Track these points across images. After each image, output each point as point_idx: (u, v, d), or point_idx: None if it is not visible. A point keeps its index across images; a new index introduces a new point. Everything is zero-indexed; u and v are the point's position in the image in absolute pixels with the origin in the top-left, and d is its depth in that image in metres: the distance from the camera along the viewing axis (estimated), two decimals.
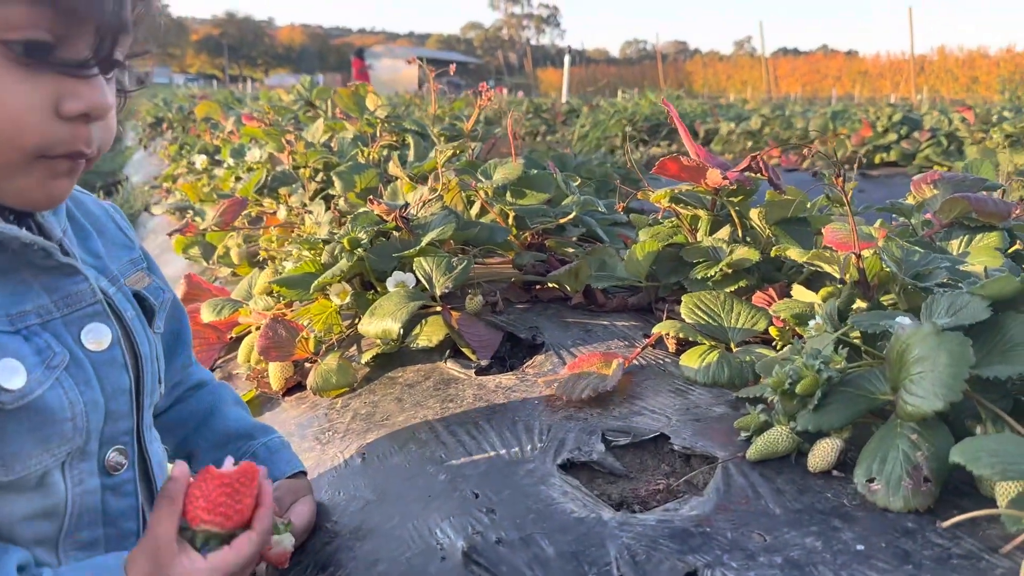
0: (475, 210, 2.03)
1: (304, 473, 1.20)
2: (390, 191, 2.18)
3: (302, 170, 2.47)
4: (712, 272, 1.53)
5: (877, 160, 5.19)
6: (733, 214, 1.61)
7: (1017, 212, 1.61)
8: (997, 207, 1.52)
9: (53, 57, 0.75)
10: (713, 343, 1.38)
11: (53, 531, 0.84)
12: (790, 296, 1.43)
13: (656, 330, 1.41)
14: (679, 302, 1.49)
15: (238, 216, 2.23)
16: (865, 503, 0.94)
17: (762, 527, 0.92)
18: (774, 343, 1.41)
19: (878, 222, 1.34)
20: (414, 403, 1.39)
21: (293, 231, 2.11)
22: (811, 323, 1.15)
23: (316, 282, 1.54)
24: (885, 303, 1.27)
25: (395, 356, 1.58)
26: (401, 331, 1.51)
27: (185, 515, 0.83)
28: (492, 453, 1.19)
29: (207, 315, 1.82)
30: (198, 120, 4.47)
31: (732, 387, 1.28)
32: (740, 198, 1.62)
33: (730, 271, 1.57)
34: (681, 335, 1.40)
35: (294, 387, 1.60)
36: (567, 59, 12.98)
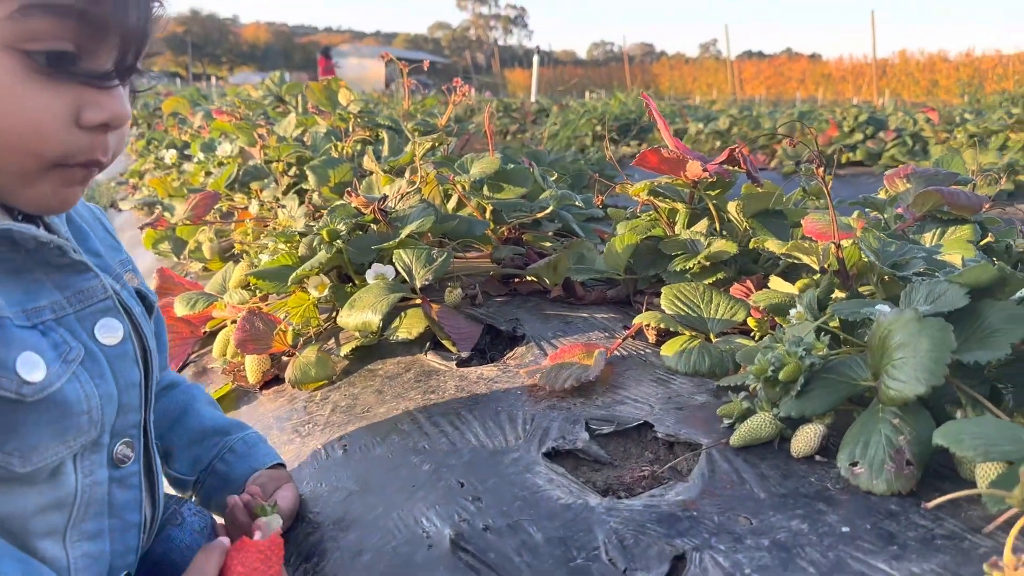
0: (452, 204, 2.02)
1: (283, 465, 1.19)
2: (365, 185, 2.16)
3: (275, 164, 2.44)
4: (690, 264, 1.54)
5: (844, 160, 5.27)
6: (711, 207, 1.63)
7: (987, 206, 1.65)
8: (969, 200, 1.55)
9: (76, 68, 0.75)
10: (693, 333, 1.39)
11: (62, 522, 0.84)
12: (767, 288, 1.45)
13: (637, 321, 1.41)
14: (658, 294, 1.50)
15: (210, 210, 2.20)
16: (848, 487, 0.95)
17: (748, 511, 0.93)
18: (752, 334, 1.42)
19: (855, 213, 1.36)
20: (395, 395, 1.38)
21: (267, 226, 2.09)
22: (792, 311, 1.17)
23: (294, 274, 1.52)
24: (864, 293, 1.29)
25: (374, 349, 1.56)
26: (381, 323, 1.50)
27: None
28: (476, 443, 1.18)
29: (181, 309, 1.79)
30: (165, 116, 4.41)
31: (713, 376, 1.29)
32: (718, 191, 1.63)
33: (708, 263, 1.58)
34: (661, 326, 1.40)
35: (271, 380, 1.58)
36: (536, 59, 13.01)
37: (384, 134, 2.55)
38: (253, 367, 1.55)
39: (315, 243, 1.55)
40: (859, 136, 5.42)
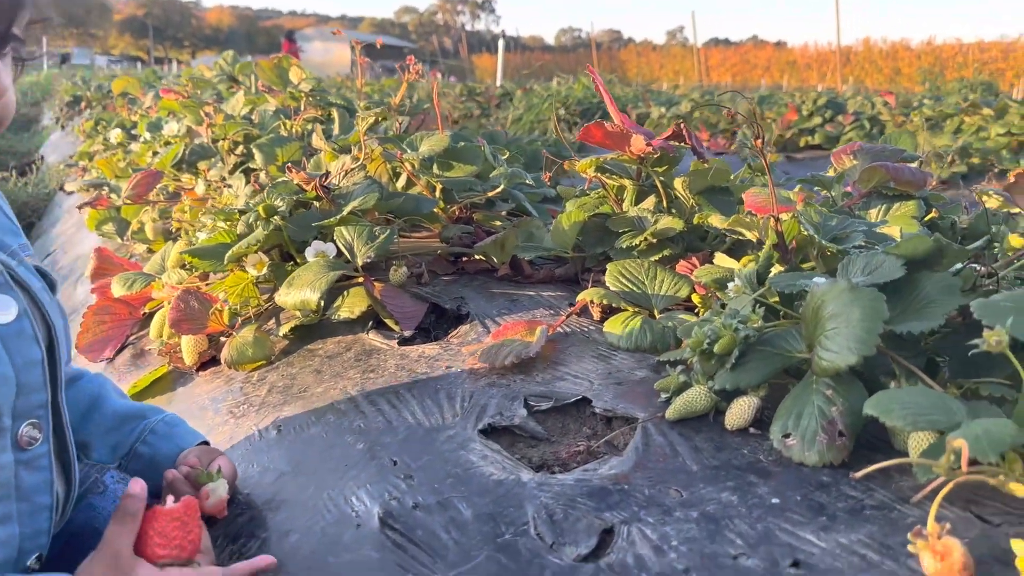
0: (401, 182, 1.99)
1: (207, 443, 1.16)
2: (313, 163, 2.12)
3: (221, 143, 2.38)
4: (636, 241, 1.52)
5: (802, 143, 5.30)
6: (658, 184, 1.61)
7: (934, 183, 1.65)
8: (914, 176, 1.55)
9: None
10: (636, 310, 1.38)
11: None
12: (713, 264, 1.44)
13: (580, 297, 1.39)
14: (605, 272, 1.49)
15: (152, 189, 2.14)
16: (781, 459, 0.95)
17: (679, 483, 0.92)
18: (697, 310, 1.41)
19: (797, 187, 1.36)
20: (333, 374, 1.35)
21: (207, 203, 2.04)
22: (730, 285, 1.15)
23: (230, 252, 1.48)
24: (804, 268, 1.28)
25: (315, 328, 1.53)
26: (321, 302, 1.46)
27: (142, 554, 0.86)
28: (412, 421, 1.16)
29: (118, 289, 1.74)
30: (115, 96, 4.29)
31: (654, 352, 1.28)
32: (664, 168, 1.62)
33: (655, 240, 1.57)
34: (605, 302, 1.39)
35: (208, 362, 1.54)
36: (501, 43, 12.93)
37: (335, 112, 2.50)
38: (189, 348, 1.51)
39: (252, 220, 1.50)
40: (818, 120, 5.46)
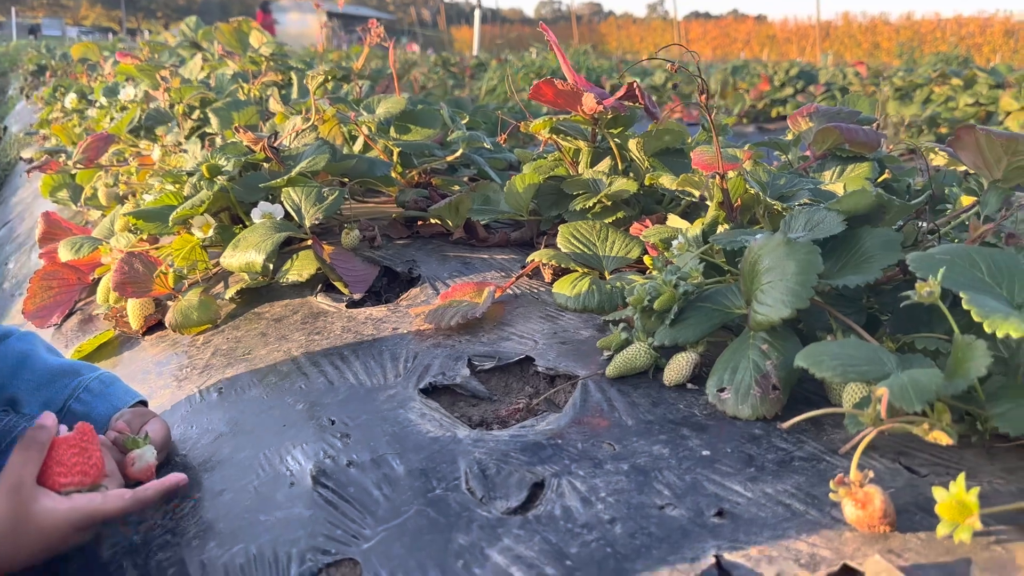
0: (358, 146, 1.96)
1: (144, 403, 1.14)
2: (269, 127, 2.08)
3: (177, 107, 2.33)
4: (590, 203, 1.51)
5: (774, 114, 5.29)
6: (613, 146, 1.59)
7: (891, 147, 1.64)
8: (867, 137, 1.54)
9: None
10: (587, 271, 1.37)
11: None
12: (665, 226, 1.43)
13: (531, 259, 1.38)
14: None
15: (103, 153, 2.10)
16: (716, 413, 0.94)
17: (613, 438, 0.91)
18: (648, 271, 1.40)
19: (746, 146, 1.35)
20: (279, 337, 1.33)
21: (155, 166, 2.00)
22: (674, 243, 1.14)
23: (175, 214, 1.45)
24: (752, 226, 1.28)
25: (264, 292, 1.51)
26: (269, 264, 1.44)
27: (45, 485, 0.86)
28: (354, 382, 1.14)
29: (65, 254, 1.71)
30: (75, 62, 4.19)
31: (602, 312, 1.27)
32: (620, 129, 1.60)
33: (609, 203, 1.55)
34: (556, 264, 1.37)
35: (155, 326, 1.52)
36: (478, 14, 12.80)
37: (294, 76, 2.46)
38: (135, 312, 1.48)
39: (196, 181, 1.47)
40: (790, 90, 5.45)
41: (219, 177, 1.45)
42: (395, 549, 0.80)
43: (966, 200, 1.45)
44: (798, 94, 5.41)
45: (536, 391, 1.10)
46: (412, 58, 9.66)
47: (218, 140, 2.11)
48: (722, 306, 1.04)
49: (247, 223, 1.57)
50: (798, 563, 0.68)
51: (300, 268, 1.47)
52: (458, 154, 1.95)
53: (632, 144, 1.56)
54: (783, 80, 5.54)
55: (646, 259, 1.41)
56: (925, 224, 1.14)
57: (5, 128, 6.20)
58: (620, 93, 1.48)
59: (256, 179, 1.55)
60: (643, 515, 0.78)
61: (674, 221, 1.42)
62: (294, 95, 2.40)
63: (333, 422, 1.04)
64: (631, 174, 1.64)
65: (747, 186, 1.21)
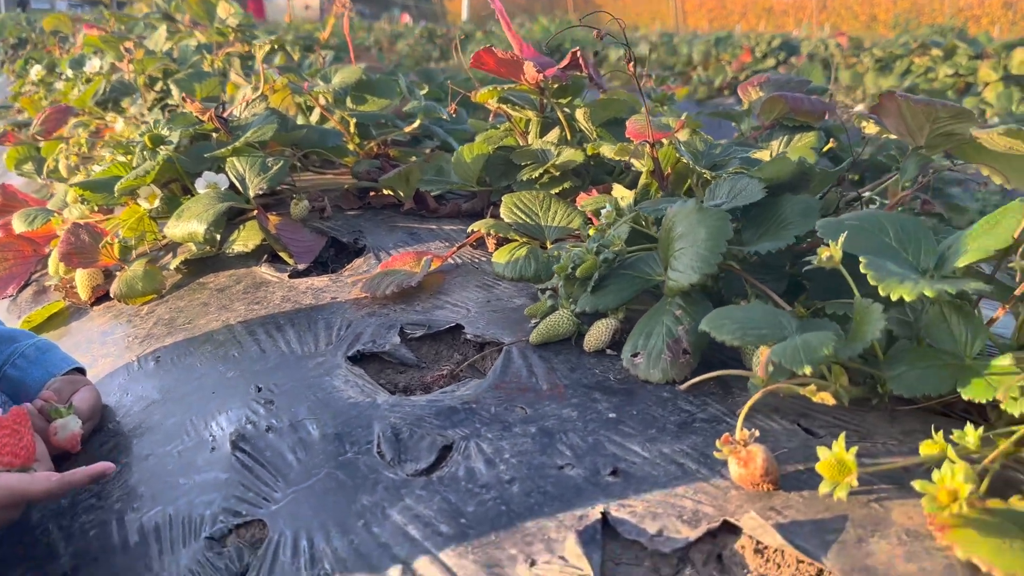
0: (315, 117, 1.95)
1: (82, 371, 1.15)
2: (231, 99, 2.07)
3: (138, 78, 2.32)
4: (536, 174, 1.51)
5: None
6: (560, 116, 1.59)
7: (845, 118, 1.65)
8: (813, 106, 1.55)
9: None
10: (526, 241, 1.37)
11: None
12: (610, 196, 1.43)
13: (472, 228, 1.39)
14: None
15: (62, 124, 2.09)
16: (629, 377, 0.96)
17: (527, 402, 0.93)
18: None
19: (683, 116, 1.35)
20: (220, 307, 1.34)
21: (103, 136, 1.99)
22: (602, 211, 1.15)
23: (120, 184, 1.45)
24: (687, 197, 1.28)
25: (211, 262, 1.51)
26: (213, 235, 1.44)
27: None
28: (286, 350, 1.16)
29: (19, 225, 1.71)
30: (46, 33, 4.16)
31: (538, 281, 1.27)
32: (568, 99, 1.60)
33: (557, 173, 1.55)
34: (496, 233, 1.38)
35: (104, 296, 1.52)
36: None
37: (258, 47, 2.44)
38: (83, 282, 1.49)
39: (140, 151, 1.47)
40: (772, 61, 5.42)
41: (162, 147, 1.45)
42: (302, 510, 0.82)
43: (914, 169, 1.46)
44: (779, 65, 5.39)
45: (464, 358, 1.12)
46: (400, 30, 9.57)
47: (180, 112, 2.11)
48: (644, 273, 1.05)
49: (194, 193, 1.57)
50: (681, 519, 0.70)
51: (246, 239, 1.47)
52: (415, 125, 1.95)
53: (580, 114, 1.56)
54: (765, 51, 5.52)
55: (591, 230, 1.42)
56: (846, 192, 1.15)
57: None
58: (564, 63, 1.48)
59: (205, 150, 1.55)
60: (542, 475, 0.79)
61: (618, 191, 1.43)
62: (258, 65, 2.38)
63: (260, 389, 1.06)
64: (585, 144, 1.64)
65: (680, 156, 1.22)
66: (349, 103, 1.92)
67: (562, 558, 0.67)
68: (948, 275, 0.84)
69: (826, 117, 1.60)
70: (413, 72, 2.84)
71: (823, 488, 0.69)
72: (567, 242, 1.40)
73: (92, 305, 1.52)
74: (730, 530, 0.69)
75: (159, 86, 2.36)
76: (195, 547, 0.82)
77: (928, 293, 0.76)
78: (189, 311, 1.36)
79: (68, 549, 0.90)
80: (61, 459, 1.01)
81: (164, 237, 1.57)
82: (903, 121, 1.07)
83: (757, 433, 0.73)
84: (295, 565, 0.75)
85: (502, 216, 1.42)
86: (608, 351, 1.03)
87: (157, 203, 1.48)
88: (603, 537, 0.70)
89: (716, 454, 0.74)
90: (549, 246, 1.39)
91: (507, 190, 1.67)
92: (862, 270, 0.80)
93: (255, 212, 1.50)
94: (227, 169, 1.48)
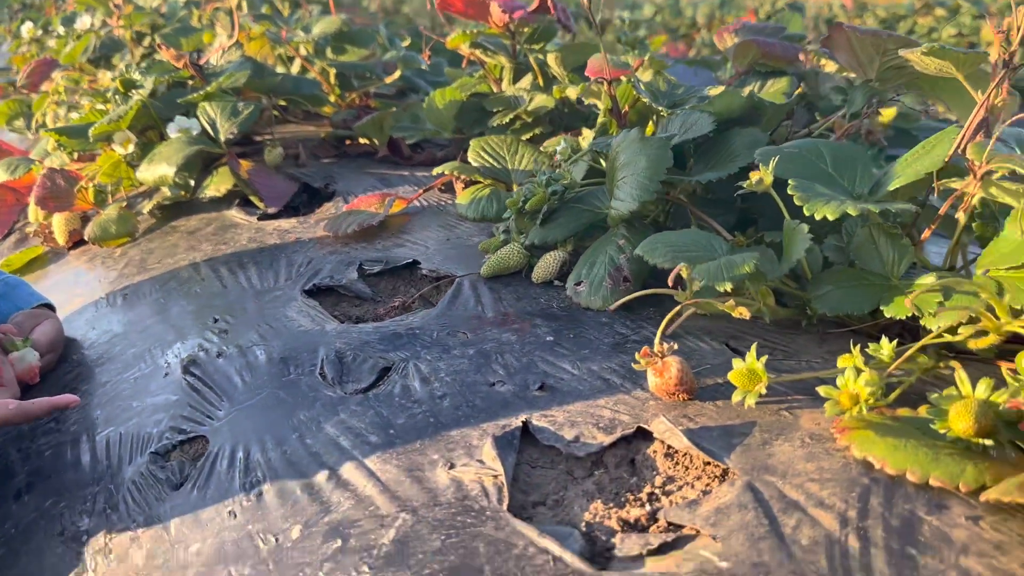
0: (295, 68, 1.96)
1: (50, 307, 1.17)
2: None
3: (126, 33, 2.33)
4: (507, 119, 1.52)
5: None
6: (532, 61, 1.59)
7: (811, 59, 1.64)
8: (784, 51, 1.54)
9: None
10: (492, 183, 1.38)
11: None
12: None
13: (436, 171, 1.40)
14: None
15: (47, 78, 2.11)
16: (572, 305, 0.97)
17: (470, 328, 0.95)
18: None
19: (647, 56, 1.35)
20: (188, 248, 1.36)
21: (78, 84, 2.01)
22: (557, 148, 1.16)
23: (94, 129, 1.47)
24: None
25: (185, 207, 1.53)
26: (187, 179, 1.47)
27: None
28: (246, 285, 1.18)
29: (1, 174, 1.73)
30: None
31: (500, 221, 1.29)
32: (540, 44, 1.60)
33: (530, 119, 1.56)
34: (461, 175, 1.39)
35: (82, 240, 1.55)
36: None
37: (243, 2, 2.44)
38: (60, 227, 1.51)
39: (112, 95, 1.49)
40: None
41: (135, 91, 1.46)
42: (242, 426, 0.84)
43: (888, 114, 1.46)
44: None
45: (419, 292, 1.13)
46: None
47: None
48: (592, 207, 1.06)
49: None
50: (598, 427, 0.72)
51: (218, 183, 1.49)
52: (395, 76, 1.95)
53: (551, 59, 1.56)
54: (769, 12, 5.45)
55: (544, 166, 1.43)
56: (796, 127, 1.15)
57: None
58: (533, 6, 1.48)
59: (175, 95, 1.56)
60: (473, 391, 0.81)
61: (587, 135, 1.43)
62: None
63: (216, 320, 1.08)
64: (565, 90, 1.65)
65: (639, 94, 1.22)
66: (329, 54, 1.92)
67: (480, 461, 0.69)
68: (881, 199, 0.85)
69: (802, 62, 1.59)
70: (403, 28, 2.82)
71: (735, 396, 0.71)
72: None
73: (69, 250, 1.55)
74: (644, 437, 0.71)
75: (147, 41, 2.37)
76: (140, 462, 0.85)
77: (851, 212, 0.77)
78: (160, 252, 1.38)
79: (24, 468, 0.93)
80: (27, 389, 1.04)
81: (141, 184, 1.59)
82: (854, 54, 1.07)
83: (676, 346, 0.75)
84: (230, 475, 0.77)
85: (469, 159, 1.43)
86: (556, 282, 1.04)
87: (132, 148, 1.49)
88: (522, 444, 0.72)
89: (635, 366, 0.75)
90: (516, 189, 1.40)
91: (480, 136, 1.68)
92: (789, 191, 0.81)
93: (228, 158, 1.52)
94: (199, 114, 1.49)
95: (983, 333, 0.72)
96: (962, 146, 0.80)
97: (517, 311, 0.97)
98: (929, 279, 0.78)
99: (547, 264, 1.03)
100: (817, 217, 0.78)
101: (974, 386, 0.62)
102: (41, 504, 0.86)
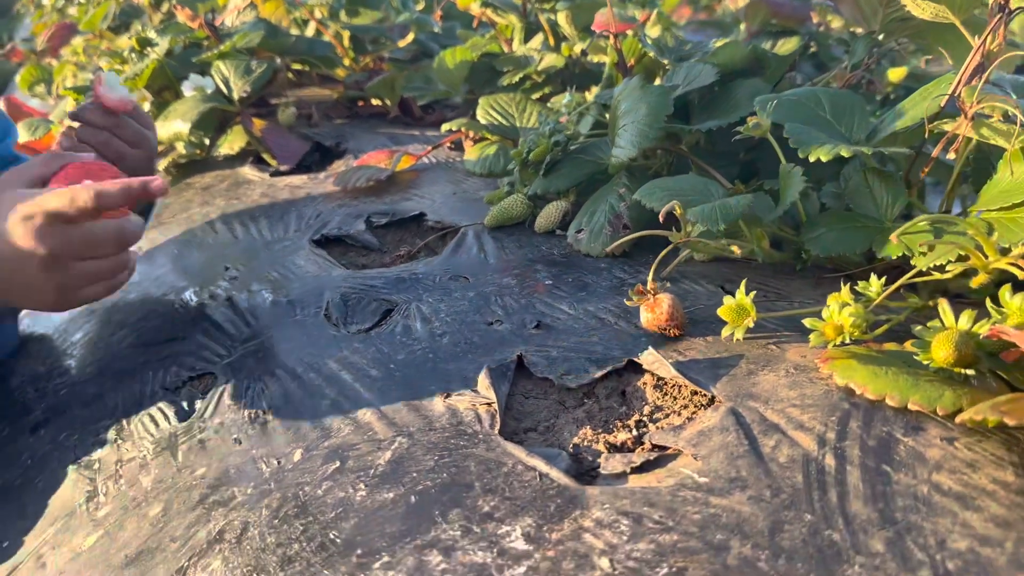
0: (310, 31, 1.98)
1: None
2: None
3: None
4: (517, 79, 1.53)
5: None
6: (543, 21, 1.60)
7: (820, 15, 1.64)
8: (794, 11, 1.54)
9: None
10: (499, 139, 1.40)
11: None
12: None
13: (445, 127, 1.41)
14: None
15: (67, 42, 2.14)
16: (572, 252, 0.99)
17: (471, 273, 0.97)
18: None
19: (655, 11, 1.35)
20: (202, 203, 1.39)
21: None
22: (564, 101, 1.17)
23: None
24: None
25: (200, 165, 1.56)
26: (201, 137, 1.49)
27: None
28: (257, 236, 1.20)
29: (23, 135, 1.76)
30: None
31: (506, 176, 1.31)
32: (551, 3, 1.61)
33: (540, 79, 1.57)
34: (470, 132, 1.41)
35: None
36: None
37: None
38: None
39: (128, 54, 1.51)
40: None
41: (150, 49, 1.49)
42: (248, 362, 0.87)
43: (895, 74, 1.46)
44: None
45: (424, 242, 1.16)
46: None
47: None
48: (595, 157, 1.07)
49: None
50: (591, 360, 0.74)
51: (232, 141, 1.52)
52: (409, 39, 1.96)
53: (561, 17, 1.57)
54: None
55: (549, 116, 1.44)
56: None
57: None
58: None
59: (190, 54, 1.59)
60: (471, 329, 0.83)
61: (595, 92, 1.44)
62: None
63: (227, 268, 1.11)
64: (576, 49, 1.65)
65: (644, 48, 1.23)
66: (343, 17, 1.94)
67: (474, 390, 0.72)
68: (877, 144, 0.86)
69: (812, 22, 1.59)
70: None
71: (724, 331, 0.72)
72: None
73: None
74: (635, 371, 0.73)
75: (165, 7, 2.39)
76: (150, 397, 0.88)
77: (844, 153, 0.78)
78: (174, 207, 1.41)
79: (40, 405, 0.96)
80: None
81: (162, 146, 1.61)
82: (858, 7, 1.07)
83: (669, 284, 0.77)
84: (236, 406, 0.80)
85: (478, 117, 1.45)
86: (558, 232, 1.06)
87: (148, 107, 1.52)
88: (516, 376, 0.74)
89: (628, 303, 0.77)
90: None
91: None
92: (785, 135, 0.82)
93: (242, 116, 1.54)
94: (212, 72, 1.51)
95: (973, 273, 0.73)
96: (958, 91, 0.80)
97: (519, 258, 0.99)
98: (922, 221, 0.78)
99: (549, 214, 1.05)
100: (811, 159, 0.79)
101: (958, 319, 0.64)
102: (56, 437, 0.89)
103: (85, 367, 1.00)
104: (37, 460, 0.87)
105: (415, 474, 0.62)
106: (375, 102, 1.78)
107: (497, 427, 0.66)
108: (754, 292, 0.71)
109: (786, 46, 1.57)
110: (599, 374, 0.72)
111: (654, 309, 0.75)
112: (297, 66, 1.94)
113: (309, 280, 1.01)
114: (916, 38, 1.08)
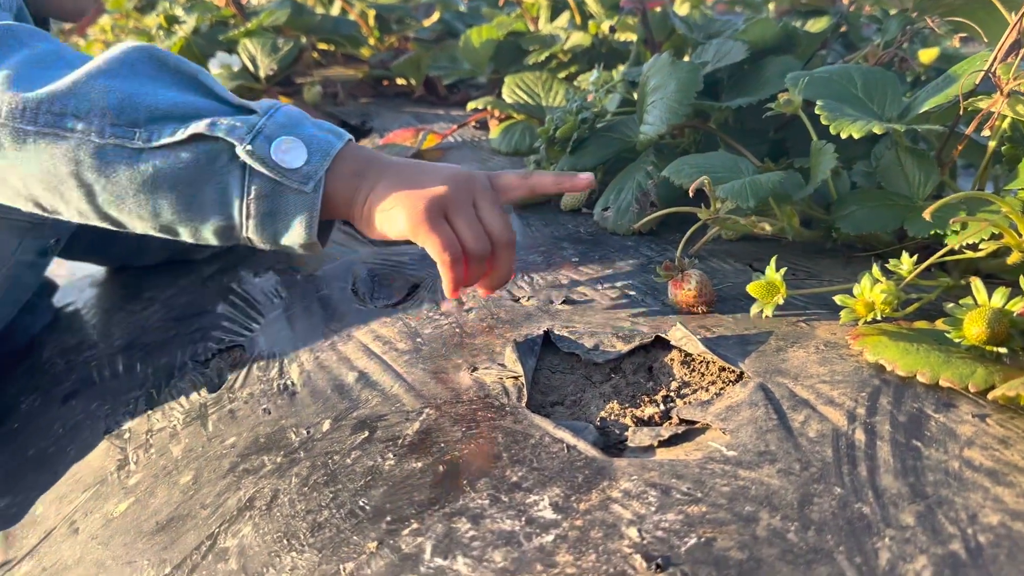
0: (335, 10, 1.98)
1: None
2: None
3: None
4: (543, 58, 1.52)
5: None
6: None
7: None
8: None
9: None
10: (526, 118, 1.39)
11: None
12: None
13: (471, 106, 1.41)
14: None
15: (94, 22, 2.15)
16: (599, 230, 0.99)
17: None
18: None
19: None
20: None
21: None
22: (591, 78, 1.16)
23: None
24: None
25: None
26: None
27: None
28: None
29: None
30: None
31: (532, 154, 1.31)
32: None
33: (566, 58, 1.56)
34: (494, 111, 1.40)
35: None
36: None
37: None
38: None
39: (155, 31, 1.52)
40: None
41: (178, 27, 1.49)
42: (277, 335, 0.88)
43: (925, 56, 1.43)
44: None
45: None
46: None
47: None
48: (623, 135, 1.07)
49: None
50: (618, 336, 0.74)
51: None
52: (434, 18, 1.96)
53: None
54: None
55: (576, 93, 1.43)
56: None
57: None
58: None
59: (217, 31, 1.59)
60: (498, 305, 0.83)
61: (623, 70, 1.43)
62: None
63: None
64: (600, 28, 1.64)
65: (673, 25, 1.22)
66: None
67: (501, 364, 0.72)
68: (910, 121, 0.84)
69: (843, 3, 1.56)
70: None
71: (753, 309, 0.72)
72: None
73: None
74: (663, 347, 0.73)
75: None
76: (180, 368, 0.89)
77: (877, 130, 0.77)
78: None
79: (71, 377, 0.98)
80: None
81: None
82: None
83: (697, 261, 0.76)
84: (265, 377, 0.81)
85: (503, 96, 1.44)
86: (584, 210, 1.06)
87: None
88: (543, 351, 0.74)
89: (656, 279, 0.77)
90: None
91: None
92: (816, 111, 0.81)
93: (268, 94, 1.55)
94: (239, 50, 1.52)
95: (1006, 252, 0.72)
96: (993, 68, 0.79)
97: (545, 236, 0.99)
98: (953, 200, 0.77)
99: (575, 193, 1.04)
100: (843, 135, 0.78)
101: (991, 297, 0.63)
102: (87, 407, 0.91)
103: (115, 340, 1.02)
104: (69, 429, 0.88)
105: (443, 444, 0.63)
106: (400, 81, 1.78)
107: (524, 400, 0.67)
108: (784, 269, 0.71)
109: (817, 25, 1.55)
110: (626, 349, 0.72)
111: (682, 286, 0.74)
112: (323, 45, 1.94)
113: (332, 260, 1.02)
114: (949, 15, 1.06)
